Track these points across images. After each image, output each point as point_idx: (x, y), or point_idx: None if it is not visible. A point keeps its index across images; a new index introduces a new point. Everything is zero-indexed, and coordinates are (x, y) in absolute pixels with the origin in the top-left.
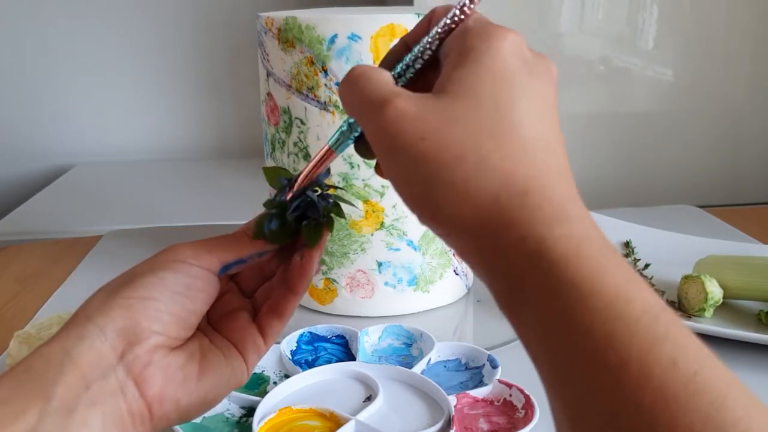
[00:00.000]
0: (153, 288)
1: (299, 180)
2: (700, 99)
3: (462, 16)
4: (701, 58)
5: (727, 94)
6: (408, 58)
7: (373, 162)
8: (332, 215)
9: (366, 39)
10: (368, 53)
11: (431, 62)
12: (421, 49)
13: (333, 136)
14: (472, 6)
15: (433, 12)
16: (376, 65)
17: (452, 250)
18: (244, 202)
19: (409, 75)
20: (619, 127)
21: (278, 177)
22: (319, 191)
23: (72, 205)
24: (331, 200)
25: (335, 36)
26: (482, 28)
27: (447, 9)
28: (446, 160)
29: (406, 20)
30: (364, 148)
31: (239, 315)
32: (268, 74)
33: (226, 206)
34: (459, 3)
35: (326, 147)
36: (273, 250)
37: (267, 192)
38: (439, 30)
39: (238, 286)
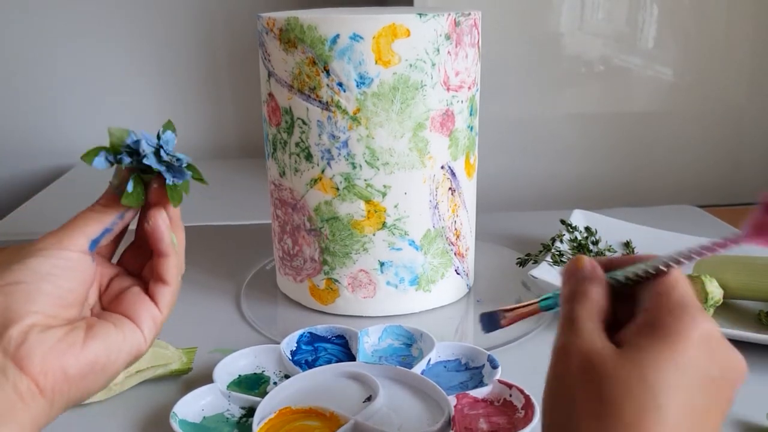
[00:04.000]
0: (19, 273)
1: (508, 321)
2: (701, 98)
3: (665, 269)
4: (701, 58)
5: (728, 94)
6: (618, 277)
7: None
8: (189, 178)
9: (368, 39)
10: (370, 53)
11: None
12: (621, 280)
13: (548, 299)
14: (672, 266)
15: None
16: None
17: (453, 249)
18: (244, 202)
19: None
20: (619, 126)
21: (127, 136)
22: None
23: (72, 205)
24: (185, 163)
25: (337, 36)
26: (681, 306)
27: (650, 257)
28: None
29: (408, 20)
30: None
31: (129, 290)
32: (270, 74)
33: (226, 206)
34: (664, 260)
35: (536, 305)
36: (132, 212)
37: (266, 191)
38: (641, 274)
39: (127, 270)
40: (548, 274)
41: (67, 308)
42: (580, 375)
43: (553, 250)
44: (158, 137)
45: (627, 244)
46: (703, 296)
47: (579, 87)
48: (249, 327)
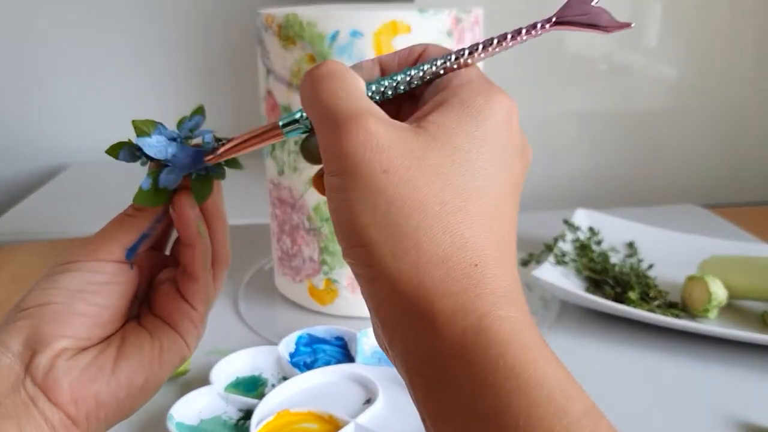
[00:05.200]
0: (49, 293)
1: (228, 147)
2: (704, 97)
3: (456, 65)
4: (705, 57)
5: (731, 93)
6: (385, 83)
7: (315, 167)
8: (224, 166)
9: (368, 36)
10: (370, 50)
11: (404, 95)
12: (405, 79)
13: (287, 116)
14: (471, 59)
15: (425, 49)
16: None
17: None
18: (243, 201)
19: (377, 99)
20: (623, 125)
21: (153, 127)
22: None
23: (69, 204)
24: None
25: (337, 32)
26: (485, 85)
27: (442, 50)
28: (404, 202)
29: (408, 17)
30: (310, 150)
31: (164, 287)
32: (269, 72)
33: (224, 205)
34: (459, 51)
35: (275, 124)
36: (167, 212)
37: (265, 190)
38: (432, 70)
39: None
40: (551, 274)
41: (104, 326)
42: (373, 163)
43: (555, 250)
44: (179, 124)
45: (631, 245)
46: (707, 297)
47: (581, 85)
48: (247, 328)
